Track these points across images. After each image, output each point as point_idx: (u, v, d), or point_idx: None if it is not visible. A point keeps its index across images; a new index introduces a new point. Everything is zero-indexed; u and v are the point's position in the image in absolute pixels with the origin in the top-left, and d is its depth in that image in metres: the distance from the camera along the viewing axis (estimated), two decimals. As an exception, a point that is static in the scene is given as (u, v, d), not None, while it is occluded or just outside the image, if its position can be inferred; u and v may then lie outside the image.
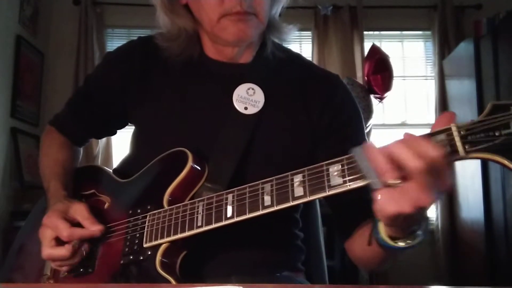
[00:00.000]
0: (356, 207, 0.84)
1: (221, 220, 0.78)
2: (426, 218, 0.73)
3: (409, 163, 0.60)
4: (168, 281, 0.79)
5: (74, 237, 0.86)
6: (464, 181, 3.23)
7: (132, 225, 0.88)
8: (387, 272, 3.32)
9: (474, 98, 3.02)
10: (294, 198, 0.73)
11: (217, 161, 0.92)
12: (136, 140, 1.06)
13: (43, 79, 3.49)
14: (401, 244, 0.70)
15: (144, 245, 0.84)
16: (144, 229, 0.86)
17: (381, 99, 3.45)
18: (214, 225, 0.79)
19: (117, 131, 1.16)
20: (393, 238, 0.71)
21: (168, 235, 0.82)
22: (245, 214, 0.76)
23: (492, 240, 2.89)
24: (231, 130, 0.94)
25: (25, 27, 3.24)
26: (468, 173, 3.14)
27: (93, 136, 1.20)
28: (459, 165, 3.24)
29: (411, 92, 3.79)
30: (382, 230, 0.71)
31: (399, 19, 3.71)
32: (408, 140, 0.62)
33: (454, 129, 0.63)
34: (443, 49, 3.62)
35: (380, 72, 3.37)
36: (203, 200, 0.82)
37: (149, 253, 0.83)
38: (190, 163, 0.88)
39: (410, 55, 3.86)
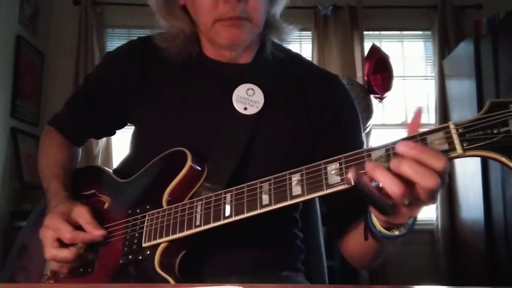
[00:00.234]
0: (351, 205, 0.84)
1: (219, 219, 0.78)
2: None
3: (427, 183, 0.61)
4: (167, 281, 0.79)
5: (76, 241, 0.86)
6: (464, 181, 3.23)
7: (131, 225, 0.88)
8: (387, 272, 3.33)
9: (474, 98, 3.02)
10: (292, 197, 0.73)
11: (217, 161, 0.92)
12: (136, 140, 1.06)
13: (43, 79, 3.49)
14: (396, 232, 0.72)
15: (143, 245, 0.84)
16: (143, 228, 0.86)
17: (381, 99, 3.45)
18: (212, 225, 0.79)
19: (117, 131, 1.16)
20: (387, 228, 0.72)
21: (167, 235, 0.82)
22: (243, 213, 0.76)
23: (492, 240, 2.89)
24: (231, 130, 0.94)
25: (25, 27, 3.25)
26: (468, 173, 3.14)
27: (93, 136, 1.20)
28: (459, 165, 3.24)
29: (411, 92, 3.79)
30: (376, 222, 0.73)
31: (399, 19, 3.71)
32: (416, 155, 0.61)
33: (452, 126, 0.63)
34: (443, 49, 3.62)
35: (380, 72, 3.37)
36: (201, 200, 0.82)
37: (148, 252, 0.83)
38: (189, 162, 0.88)
39: (410, 55, 3.86)
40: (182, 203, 0.84)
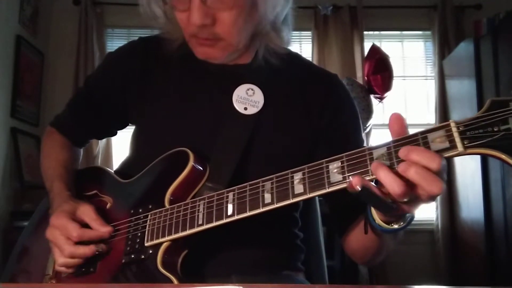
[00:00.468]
0: (352, 202, 0.85)
1: (222, 218, 0.78)
2: None
3: (432, 189, 0.62)
4: (170, 280, 0.79)
5: (84, 238, 0.86)
6: (464, 181, 3.24)
7: (134, 224, 0.89)
8: (387, 272, 3.33)
9: (474, 98, 3.02)
10: (294, 196, 0.73)
11: (218, 161, 0.92)
12: (137, 140, 1.06)
13: (43, 79, 3.50)
14: (395, 226, 0.73)
15: (146, 244, 0.84)
16: (146, 228, 0.86)
17: (381, 99, 3.45)
18: (214, 223, 0.79)
19: (118, 131, 1.16)
20: (386, 222, 0.73)
21: (170, 234, 0.82)
22: (246, 212, 0.76)
23: (492, 240, 2.89)
24: (231, 130, 0.95)
25: (25, 27, 3.25)
26: (468, 173, 3.14)
27: (94, 137, 1.20)
28: (459, 165, 3.25)
29: (411, 92, 3.80)
30: (376, 216, 0.74)
31: (399, 19, 3.72)
32: (414, 159, 0.63)
33: (453, 125, 0.64)
34: (443, 49, 3.62)
35: (380, 72, 3.37)
36: (204, 199, 0.82)
37: (151, 252, 0.83)
38: (191, 162, 0.88)
39: (410, 55, 3.86)
40: (184, 202, 0.85)
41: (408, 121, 3.66)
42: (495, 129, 0.61)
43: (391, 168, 0.64)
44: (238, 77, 0.98)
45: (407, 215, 0.71)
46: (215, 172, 0.90)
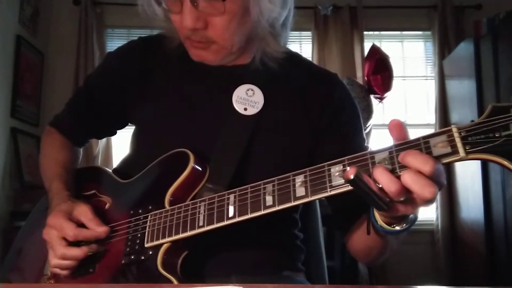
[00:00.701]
0: (354, 203, 0.85)
1: (223, 220, 0.78)
2: None
3: (424, 194, 0.62)
4: (170, 281, 0.79)
5: (80, 238, 0.86)
6: (464, 182, 3.24)
7: (134, 225, 0.89)
8: (387, 272, 3.33)
9: (474, 98, 3.02)
10: (296, 198, 0.73)
11: (218, 162, 0.92)
12: (136, 140, 1.06)
13: (43, 79, 3.50)
14: (397, 227, 0.73)
15: (146, 245, 0.84)
16: (146, 229, 0.86)
17: (381, 99, 3.45)
18: (215, 225, 0.79)
19: (117, 131, 1.16)
20: (389, 224, 0.73)
21: (170, 235, 0.82)
22: (247, 214, 0.77)
23: (492, 240, 2.89)
24: (231, 131, 0.94)
25: (25, 27, 3.25)
26: (468, 174, 3.14)
27: (94, 136, 1.20)
28: (460, 166, 3.25)
29: (411, 92, 3.80)
30: (378, 218, 0.74)
31: (399, 19, 3.72)
32: (408, 163, 0.64)
33: (454, 130, 0.64)
34: (443, 49, 3.62)
35: (380, 72, 3.37)
36: (204, 200, 0.82)
37: (151, 253, 0.83)
38: (191, 163, 0.88)
39: (410, 55, 3.86)
40: (185, 203, 0.84)
41: (408, 121, 3.70)
42: (496, 135, 0.62)
43: (393, 172, 0.65)
44: (237, 78, 0.98)
45: (410, 216, 0.71)
46: (215, 173, 0.90)
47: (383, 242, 0.84)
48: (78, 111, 1.10)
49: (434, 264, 3.52)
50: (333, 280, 1.97)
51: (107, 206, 0.96)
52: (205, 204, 0.82)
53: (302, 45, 3.78)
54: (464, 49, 3.21)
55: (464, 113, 3.22)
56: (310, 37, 3.68)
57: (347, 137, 0.99)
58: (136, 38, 1.08)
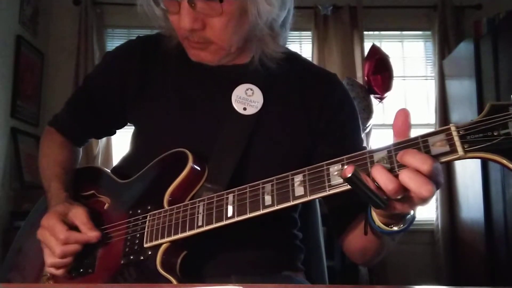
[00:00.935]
0: (351, 202, 0.85)
1: (222, 220, 0.78)
2: None
3: (421, 192, 0.62)
4: (169, 281, 0.79)
5: (70, 241, 0.86)
6: (464, 181, 3.24)
7: (133, 225, 0.88)
8: (387, 272, 3.33)
9: (474, 98, 3.02)
10: (295, 198, 0.73)
11: (217, 161, 0.92)
12: (135, 139, 1.06)
13: (43, 79, 3.50)
14: (395, 228, 0.73)
15: (145, 245, 0.84)
16: (145, 229, 0.86)
17: (381, 99, 3.45)
18: (214, 225, 0.79)
19: (117, 130, 1.16)
20: (386, 224, 0.73)
21: (169, 235, 0.82)
22: (246, 213, 0.76)
23: (492, 240, 2.89)
24: (231, 130, 0.94)
25: (25, 27, 3.25)
26: (468, 173, 3.14)
27: (93, 136, 1.20)
28: (459, 165, 3.24)
29: (411, 92, 3.80)
30: (376, 218, 0.74)
31: (399, 19, 3.72)
32: (407, 162, 0.64)
33: (453, 129, 0.64)
34: (443, 49, 3.62)
35: (380, 72, 3.37)
36: (203, 200, 0.82)
37: (150, 253, 0.83)
38: (190, 163, 0.88)
39: (410, 55, 3.86)
40: (184, 203, 0.84)
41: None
42: (495, 134, 0.62)
43: (392, 171, 0.65)
44: (237, 77, 0.98)
45: (407, 217, 0.71)
46: (214, 173, 0.90)
47: (379, 242, 0.84)
48: (77, 110, 1.10)
49: (434, 264, 3.52)
50: (333, 280, 1.97)
51: (106, 206, 0.96)
52: (204, 204, 0.82)
53: (302, 45, 3.78)
54: (464, 49, 3.21)
55: (464, 113, 3.22)
56: (310, 37, 3.68)
57: (345, 137, 0.99)
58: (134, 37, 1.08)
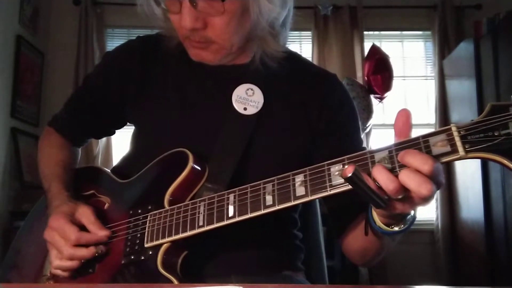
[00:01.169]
0: (351, 202, 0.85)
1: (223, 220, 0.78)
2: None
3: (421, 192, 0.63)
4: (170, 281, 0.79)
5: (81, 242, 0.86)
6: (464, 182, 3.24)
7: (133, 225, 0.88)
8: (387, 272, 3.33)
9: (474, 98, 3.02)
10: (296, 198, 0.73)
11: (217, 161, 0.92)
12: (136, 139, 1.06)
13: (43, 79, 3.50)
14: (395, 228, 0.73)
15: (145, 245, 0.84)
16: (145, 229, 0.86)
17: (381, 99, 3.45)
18: (215, 225, 0.79)
19: (116, 131, 1.16)
20: (387, 224, 0.73)
21: (170, 235, 0.82)
22: (247, 213, 0.77)
23: (492, 240, 2.89)
24: (231, 130, 0.94)
25: (25, 27, 3.25)
26: (468, 174, 3.15)
27: (92, 136, 1.20)
28: (459, 166, 3.25)
29: (411, 92, 3.80)
30: (376, 218, 0.74)
31: (399, 19, 3.72)
32: (407, 162, 0.64)
33: (454, 129, 0.64)
34: (443, 49, 3.63)
35: (380, 72, 3.38)
36: (204, 200, 0.82)
37: (151, 253, 0.83)
38: (190, 163, 0.88)
39: (410, 55, 3.87)
40: (184, 203, 0.84)
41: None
42: (495, 134, 0.62)
43: (393, 171, 0.65)
44: (237, 77, 0.98)
45: (408, 217, 0.71)
46: (214, 173, 0.90)
47: (379, 243, 0.84)
48: (77, 110, 1.10)
49: (434, 264, 3.52)
50: (333, 280, 1.97)
51: (106, 206, 0.96)
52: (204, 204, 0.82)
53: (302, 45, 3.78)
54: (464, 49, 3.21)
55: (464, 113, 3.22)
56: (310, 37, 3.68)
57: (345, 137, 0.99)
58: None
